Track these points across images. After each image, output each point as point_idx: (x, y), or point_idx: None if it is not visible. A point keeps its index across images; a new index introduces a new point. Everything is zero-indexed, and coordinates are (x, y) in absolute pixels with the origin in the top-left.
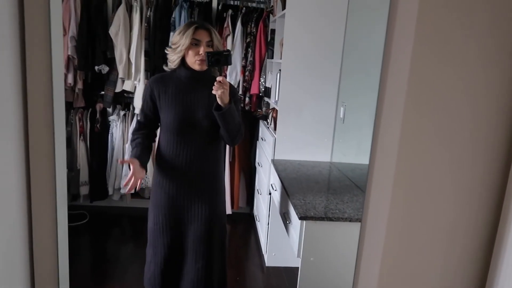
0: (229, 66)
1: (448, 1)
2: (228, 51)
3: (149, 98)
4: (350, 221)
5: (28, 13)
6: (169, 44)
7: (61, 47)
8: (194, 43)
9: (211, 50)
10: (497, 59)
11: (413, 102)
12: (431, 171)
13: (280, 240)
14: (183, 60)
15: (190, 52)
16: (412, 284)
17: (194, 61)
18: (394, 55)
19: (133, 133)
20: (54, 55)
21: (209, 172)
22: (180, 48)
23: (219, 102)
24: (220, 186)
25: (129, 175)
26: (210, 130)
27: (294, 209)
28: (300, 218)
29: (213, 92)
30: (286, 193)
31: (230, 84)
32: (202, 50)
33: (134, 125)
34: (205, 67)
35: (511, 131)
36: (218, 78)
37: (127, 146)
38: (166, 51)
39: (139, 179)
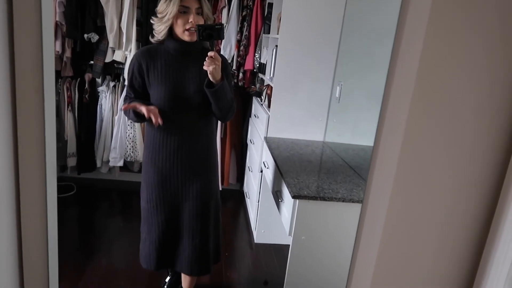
0: (223, 40)
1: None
2: (221, 24)
3: (137, 73)
4: (343, 201)
5: None
6: (155, 13)
7: (51, 12)
8: (183, 11)
9: (201, 18)
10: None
11: (422, 92)
12: (434, 160)
13: (269, 218)
14: (171, 31)
15: (179, 21)
16: (408, 269)
17: (183, 31)
18: (405, 38)
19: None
20: (44, 21)
21: (202, 148)
22: (167, 17)
23: (211, 79)
24: (213, 162)
25: (144, 111)
26: (202, 106)
27: (288, 187)
28: (293, 196)
29: (205, 68)
30: (279, 171)
31: (222, 57)
32: (192, 18)
33: (122, 101)
34: (195, 38)
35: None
36: (210, 53)
37: (117, 118)
38: (151, 21)
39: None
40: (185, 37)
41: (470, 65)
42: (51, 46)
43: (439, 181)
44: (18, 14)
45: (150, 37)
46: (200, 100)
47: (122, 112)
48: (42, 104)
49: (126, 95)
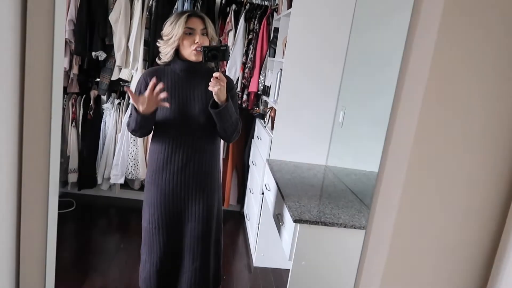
0: (228, 62)
1: (472, 8)
2: (226, 46)
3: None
4: (344, 227)
5: None
6: (161, 36)
7: (62, 30)
8: (188, 32)
9: (206, 38)
10: None
11: (430, 107)
12: (442, 181)
13: (269, 241)
14: (177, 52)
15: (185, 42)
16: None
17: (190, 52)
18: (414, 55)
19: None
20: (56, 40)
21: (206, 169)
22: (173, 39)
23: (216, 99)
24: (217, 183)
25: (147, 94)
26: (207, 126)
27: (289, 211)
28: (295, 221)
29: (210, 88)
30: (280, 194)
31: (228, 77)
32: (197, 38)
33: (127, 119)
34: (201, 58)
35: None
36: (215, 74)
37: (120, 135)
38: (158, 44)
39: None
40: (192, 57)
41: (480, 94)
42: (60, 65)
43: (444, 210)
44: (31, 33)
45: (157, 59)
46: (205, 120)
47: (126, 128)
48: (49, 121)
49: (130, 113)
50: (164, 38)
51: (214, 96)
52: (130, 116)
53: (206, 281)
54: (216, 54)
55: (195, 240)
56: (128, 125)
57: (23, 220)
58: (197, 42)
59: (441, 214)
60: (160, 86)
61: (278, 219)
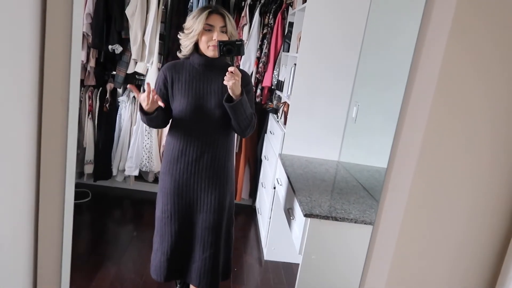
0: (243, 56)
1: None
2: (241, 40)
3: (163, 85)
4: (355, 222)
5: None
6: (183, 29)
7: (80, 24)
8: (207, 29)
9: (225, 36)
10: None
11: (439, 109)
12: (450, 180)
13: (280, 235)
14: (196, 46)
15: (203, 38)
16: None
17: (207, 47)
18: (424, 55)
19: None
20: (74, 32)
21: (220, 161)
22: (193, 34)
23: (230, 93)
24: (230, 176)
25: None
26: (222, 119)
27: (300, 205)
28: (305, 215)
29: (225, 82)
30: (292, 189)
31: (244, 72)
32: (215, 35)
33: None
34: (217, 54)
35: None
36: (230, 69)
37: (134, 128)
38: (178, 36)
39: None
40: (209, 52)
41: (490, 89)
42: (78, 58)
43: (452, 207)
44: (51, 26)
45: (177, 52)
46: (221, 114)
47: (141, 121)
48: (66, 112)
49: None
50: (185, 31)
51: (229, 90)
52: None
53: (216, 271)
54: (231, 49)
55: (206, 230)
56: (141, 119)
57: (41, 207)
58: (214, 39)
59: (449, 213)
60: (153, 92)
61: (289, 213)
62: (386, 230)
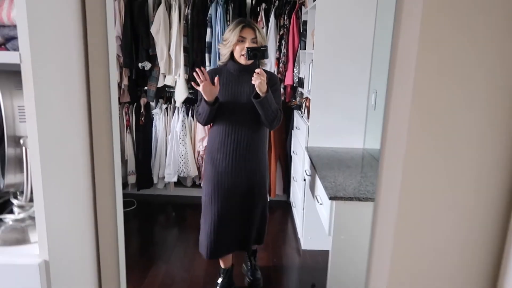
0: None
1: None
2: (265, 46)
3: None
4: None
5: (90, 17)
6: (222, 41)
7: (114, 48)
8: (241, 40)
9: (255, 46)
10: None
11: (419, 100)
12: (440, 157)
13: (315, 225)
14: (232, 55)
15: (237, 48)
16: (424, 267)
17: (239, 56)
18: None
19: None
20: (110, 57)
21: (254, 151)
22: (229, 44)
23: (257, 91)
24: (263, 164)
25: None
26: (253, 115)
27: (325, 190)
28: (330, 198)
29: (252, 82)
30: (318, 176)
31: (271, 73)
32: (247, 45)
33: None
34: (249, 61)
35: None
36: (257, 70)
37: (170, 137)
38: (218, 47)
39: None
40: (241, 60)
41: (466, 71)
42: (114, 78)
43: (446, 178)
44: (92, 53)
45: (218, 60)
46: (251, 109)
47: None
48: (110, 123)
49: (199, 104)
50: (224, 42)
51: (256, 88)
52: (199, 106)
53: (248, 239)
54: (257, 54)
55: (244, 210)
56: (197, 111)
57: (99, 220)
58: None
59: (442, 185)
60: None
61: (317, 200)
62: (386, 207)
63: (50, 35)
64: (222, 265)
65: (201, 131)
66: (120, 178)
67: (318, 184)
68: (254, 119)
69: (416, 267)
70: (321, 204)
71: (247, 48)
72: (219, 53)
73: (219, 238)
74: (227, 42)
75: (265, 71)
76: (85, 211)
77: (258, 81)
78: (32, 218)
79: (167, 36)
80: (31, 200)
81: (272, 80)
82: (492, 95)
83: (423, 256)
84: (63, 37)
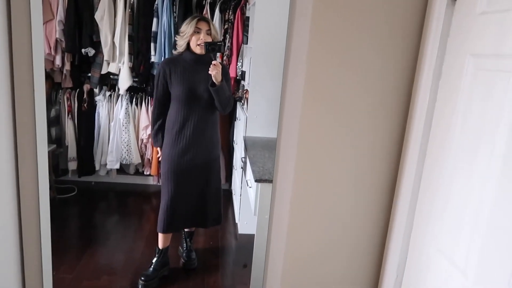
0: None
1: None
2: (221, 41)
3: (162, 76)
4: None
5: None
6: (179, 32)
7: (41, 31)
8: (196, 31)
9: (209, 37)
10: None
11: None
12: (329, 139)
13: (251, 209)
14: (188, 45)
15: (193, 38)
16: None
17: (195, 46)
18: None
19: (154, 112)
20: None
21: (208, 133)
22: (186, 35)
23: (213, 80)
24: (216, 145)
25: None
26: (209, 101)
27: (253, 174)
28: (256, 180)
29: (209, 72)
30: (248, 162)
31: (224, 65)
32: (202, 36)
33: (153, 103)
34: (204, 51)
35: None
36: (213, 62)
37: (112, 124)
38: (175, 38)
39: None
40: (197, 49)
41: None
42: (41, 64)
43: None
44: (16, 47)
45: (173, 50)
46: (207, 96)
47: (118, 117)
48: (33, 108)
49: (155, 97)
50: (180, 34)
51: (213, 78)
52: (155, 107)
53: (205, 216)
54: (214, 47)
55: (198, 186)
56: (153, 112)
57: (22, 202)
58: (201, 39)
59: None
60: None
61: (247, 183)
62: (282, 188)
63: None
64: (160, 245)
65: (145, 120)
66: (46, 163)
67: (249, 169)
68: (209, 105)
69: (309, 239)
70: (250, 187)
71: (205, 42)
72: (165, 43)
73: (175, 212)
74: (184, 34)
75: (219, 62)
76: (7, 191)
77: (215, 72)
78: None
79: (112, 23)
80: None
81: (224, 70)
82: (373, 76)
83: (315, 229)
84: None
